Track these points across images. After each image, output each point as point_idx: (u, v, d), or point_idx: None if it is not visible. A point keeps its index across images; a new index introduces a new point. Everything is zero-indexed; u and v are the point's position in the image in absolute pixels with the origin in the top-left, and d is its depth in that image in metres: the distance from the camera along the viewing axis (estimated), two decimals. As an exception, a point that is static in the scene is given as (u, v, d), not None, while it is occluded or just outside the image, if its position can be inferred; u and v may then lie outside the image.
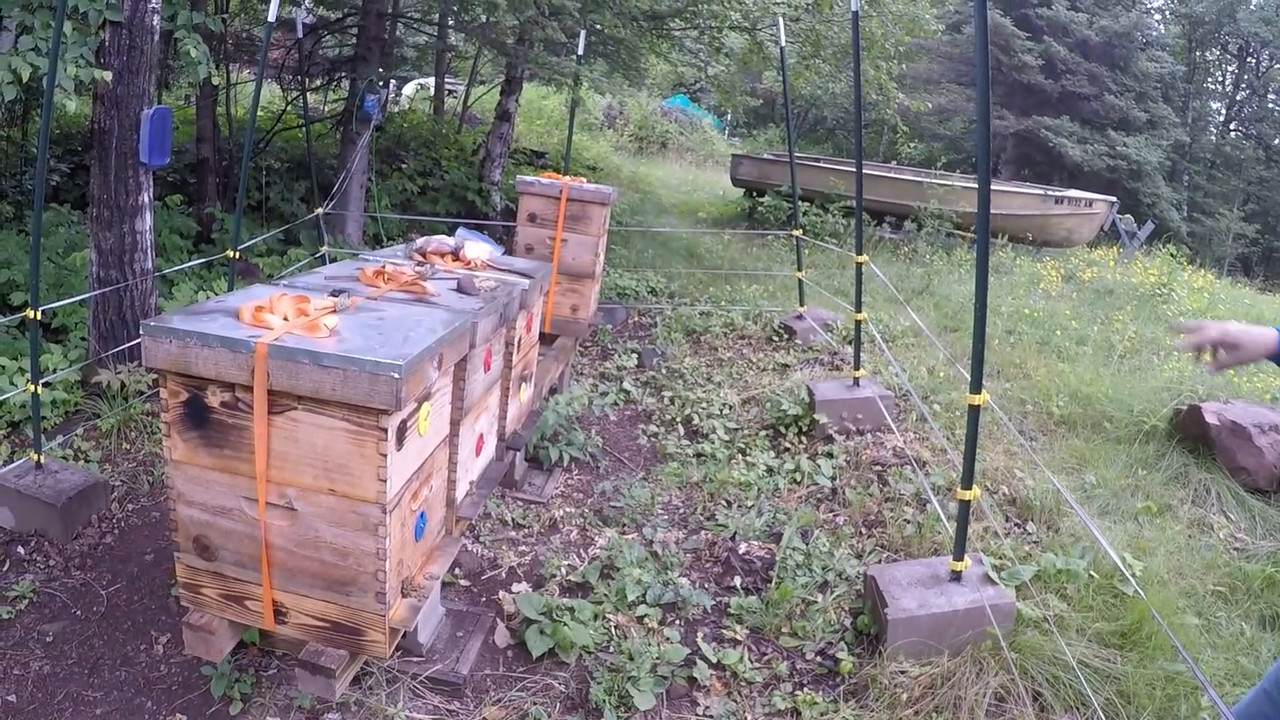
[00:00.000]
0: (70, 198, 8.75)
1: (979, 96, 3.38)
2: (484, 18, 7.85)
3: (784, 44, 7.25)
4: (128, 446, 5.24)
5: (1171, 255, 11.86)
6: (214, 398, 2.61)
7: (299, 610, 2.77)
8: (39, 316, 4.43)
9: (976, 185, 11.90)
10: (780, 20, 7.50)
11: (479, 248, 4.15)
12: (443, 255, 4.06)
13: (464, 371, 3.22)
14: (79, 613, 3.89)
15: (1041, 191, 13.67)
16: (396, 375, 2.38)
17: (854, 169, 6.00)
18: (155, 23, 5.33)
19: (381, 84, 9.02)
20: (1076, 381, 6.84)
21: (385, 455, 2.50)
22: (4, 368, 5.31)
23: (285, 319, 2.67)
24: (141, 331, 2.63)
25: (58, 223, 7.80)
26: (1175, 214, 22.58)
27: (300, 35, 7.47)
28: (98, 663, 3.58)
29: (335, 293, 3.03)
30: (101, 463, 5.04)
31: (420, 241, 4.16)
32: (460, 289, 3.44)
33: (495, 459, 4.06)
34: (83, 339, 6.01)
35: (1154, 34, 26.26)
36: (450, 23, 9.73)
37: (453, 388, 3.14)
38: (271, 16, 5.60)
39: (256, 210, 9.66)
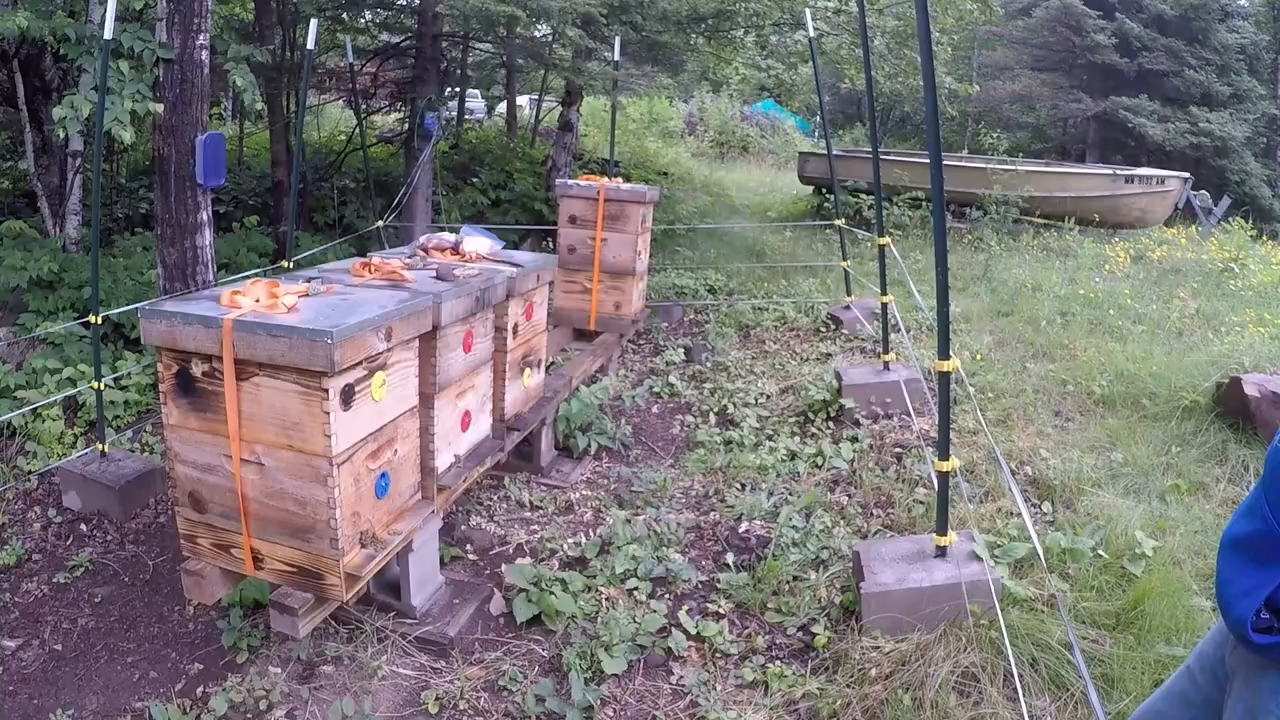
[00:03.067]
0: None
1: (924, 63, 3.46)
2: (503, 32, 8.22)
3: (812, 34, 7.39)
4: (189, 441, 5.70)
5: (1243, 228, 11.44)
6: (197, 368, 3.00)
7: (272, 557, 3.11)
8: (99, 321, 4.91)
9: (1042, 169, 11.67)
10: (808, 12, 7.63)
11: (478, 242, 4.43)
12: (443, 250, 4.35)
13: (433, 348, 3.50)
14: (127, 579, 4.37)
15: (1110, 171, 13.22)
16: (330, 341, 2.69)
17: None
18: (204, 57, 5.80)
19: (440, 103, 9.47)
20: (1124, 360, 6.71)
21: (329, 414, 2.81)
22: (84, 374, 5.82)
23: (256, 301, 3.01)
24: (139, 315, 3.01)
25: (141, 247, 8.40)
26: (1266, 190, 21.30)
27: (350, 59, 7.94)
28: (136, 620, 4.04)
29: (309, 280, 3.35)
30: (165, 455, 5.49)
31: (424, 239, 4.47)
32: (438, 276, 3.72)
33: (491, 437, 4.32)
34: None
35: (1234, 4, 24.84)
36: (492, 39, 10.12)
37: (419, 363, 3.41)
38: (310, 43, 6.02)
39: (333, 228, 10.23)
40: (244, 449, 2.98)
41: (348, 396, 2.89)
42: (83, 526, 4.78)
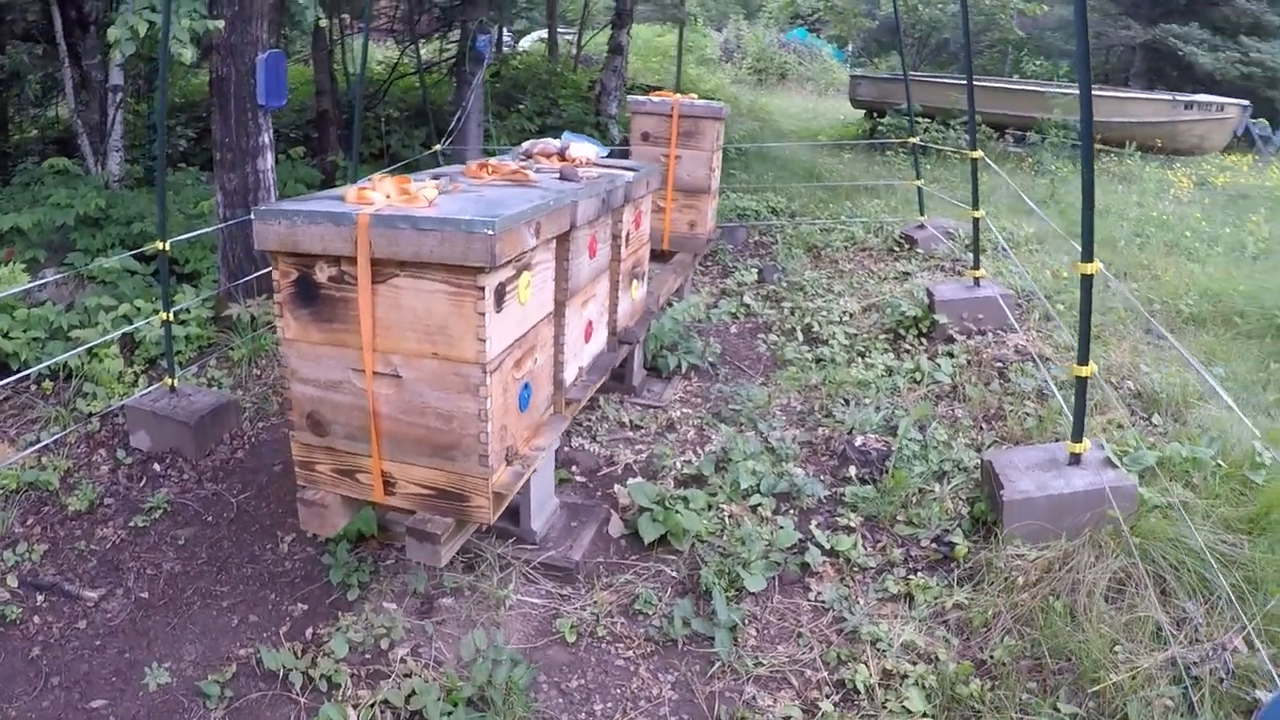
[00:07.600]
0: (197, 161, 9.14)
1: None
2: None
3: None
4: (258, 372, 5.47)
5: None
6: (322, 273, 2.71)
7: (406, 480, 2.86)
8: (166, 248, 4.62)
9: (1101, 94, 11.30)
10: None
11: (585, 147, 4.19)
12: (549, 156, 4.11)
13: (566, 251, 3.27)
14: (210, 519, 4.10)
15: (1170, 97, 13.10)
16: (490, 232, 2.42)
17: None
18: (263, -28, 5.50)
19: (492, 24, 9.21)
20: (1206, 281, 6.69)
21: (484, 315, 2.55)
22: (140, 309, 5.57)
23: (387, 196, 2.74)
24: (253, 216, 2.73)
25: (187, 182, 8.16)
26: (1321, 122, 20.81)
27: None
28: (226, 561, 3.79)
29: (436, 176, 3.10)
30: (234, 388, 5.28)
31: (526, 145, 4.23)
32: (563, 177, 3.48)
33: (606, 350, 4.12)
34: (214, 282, 6.28)
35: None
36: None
37: (556, 266, 3.18)
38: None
39: (379, 158, 10.01)
40: (378, 360, 2.72)
41: (500, 297, 2.64)
42: (155, 466, 4.51)
